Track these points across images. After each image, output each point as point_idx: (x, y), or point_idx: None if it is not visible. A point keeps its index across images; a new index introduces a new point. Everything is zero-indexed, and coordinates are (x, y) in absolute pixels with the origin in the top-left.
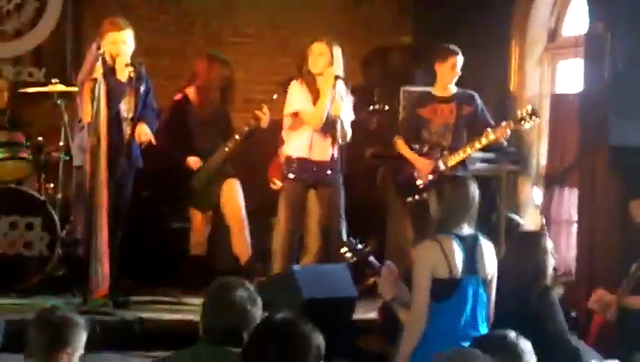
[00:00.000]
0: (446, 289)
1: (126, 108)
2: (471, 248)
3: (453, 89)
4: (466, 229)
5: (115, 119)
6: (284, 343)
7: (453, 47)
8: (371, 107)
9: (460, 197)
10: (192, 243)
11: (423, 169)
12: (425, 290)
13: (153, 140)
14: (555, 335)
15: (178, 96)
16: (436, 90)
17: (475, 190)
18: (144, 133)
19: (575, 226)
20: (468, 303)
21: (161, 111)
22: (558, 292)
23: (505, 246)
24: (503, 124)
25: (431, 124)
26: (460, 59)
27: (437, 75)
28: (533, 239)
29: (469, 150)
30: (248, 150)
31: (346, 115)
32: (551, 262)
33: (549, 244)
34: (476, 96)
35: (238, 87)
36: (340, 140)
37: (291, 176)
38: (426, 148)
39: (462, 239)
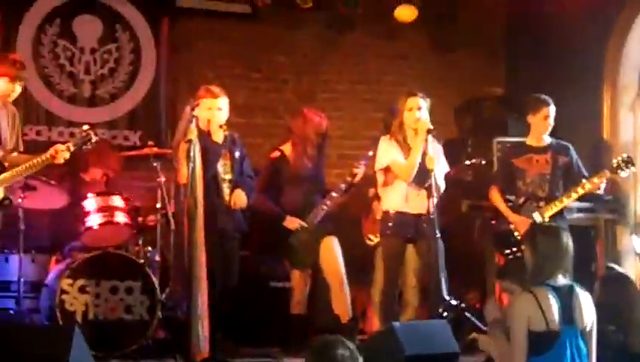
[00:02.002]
0: (544, 343)
1: (223, 170)
2: (567, 299)
3: (547, 139)
4: (561, 280)
5: (212, 181)
6: None
7: (544, 97)
8: (467, 161)
9: (554, 247)
10: (293, 303)
11: (518, 227)
12: (522, 344)
13: (244, 205)
14: None
15: (275, 154)
16: (530, 141)
17: (568, 240)
18: (240, 199)
19: None
20: (567, 356)
21: (258, 172)
22: None
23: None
24: (599, 173)
25: (526, 175)
26: (552, 110)
27: (530, 127)
28: (623, 281)
29: (565, 200)
30: (343, 206)
31: (440, 167)
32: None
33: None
34: (571, 146)
35: (331, 143)
36: (434, 193)
37: (389, 231)
38: (522, 200)
39: (557, 290)
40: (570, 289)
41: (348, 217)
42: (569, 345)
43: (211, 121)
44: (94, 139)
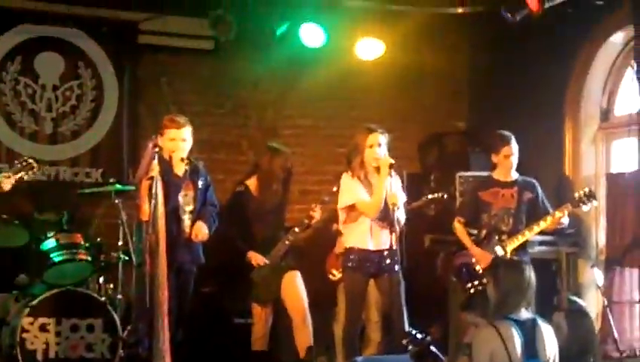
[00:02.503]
0: None
1: (184, 201)
2: (530, 332)
3: (514, 174)
4: (524, 313)
5: (173, 214)
6: None
7: (505, 135)
8: (430, 195)
9: (517, 281)
10: (254, 338)
11: (480, 260)
12: None
13: (205, 238)
14: None
15: (239, 188)
16: (497, 175)
17: (531, 273)
18: (201, 231)
19: (637, 307)
20: None
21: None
22: None
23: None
24: (561, 207)
25: (491, 208)
26: (513, 147)
27: (497, 164)
28: (578, 316)
29: (527, 234)
30: (308, 241)
31: (400, 200)
32: (597, 340)
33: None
34: (537, 183)
35: (294, 179)
36: (396, 228)
37: (352, 266)
38: (484, 233)
39: (520, 324)
40: (534, 322)
41: (312, 252)
42: None
43: (174, 153)
44: (36, 167)
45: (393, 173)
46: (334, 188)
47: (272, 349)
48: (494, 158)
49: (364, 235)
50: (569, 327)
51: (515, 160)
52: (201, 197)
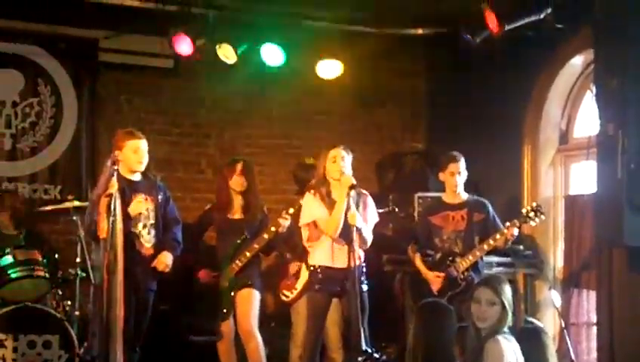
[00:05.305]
0: None
1: (144, 215)
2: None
3: (463, 195)
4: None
5: (131, 232)
6: None
7: (453, 153)
8: (380, 210)
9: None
10: (219, 354)
11: (434, 284)
12: None
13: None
14: None
15: (206, 207)
16: (447, 197)
17: None
18: (164, 264)
19: (595, 328)
20: None
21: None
22: None
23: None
24: (510, 223)
25: (442, 232)
26: (460, 165)
27: (444, 183)
28: (539, 335)
29: (478, 253)
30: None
31: (370, 219)
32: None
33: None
34: (488, 203)
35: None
36: (358, 247)
37: (315, 285)
38: (438, 256)
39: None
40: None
41: (270, 272)
42: None
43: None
44: None
45: (361, 193)
46: (290, 210)
47: None
48: (441, 176)
49: (327, 255)
50: (525, 349)
51: (460, 180)
52: (162, 211)
